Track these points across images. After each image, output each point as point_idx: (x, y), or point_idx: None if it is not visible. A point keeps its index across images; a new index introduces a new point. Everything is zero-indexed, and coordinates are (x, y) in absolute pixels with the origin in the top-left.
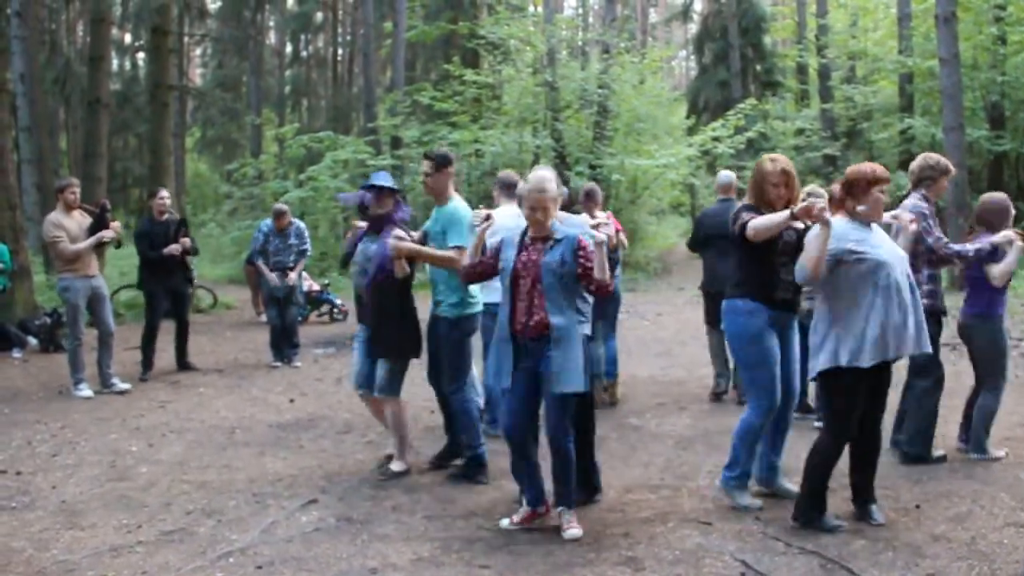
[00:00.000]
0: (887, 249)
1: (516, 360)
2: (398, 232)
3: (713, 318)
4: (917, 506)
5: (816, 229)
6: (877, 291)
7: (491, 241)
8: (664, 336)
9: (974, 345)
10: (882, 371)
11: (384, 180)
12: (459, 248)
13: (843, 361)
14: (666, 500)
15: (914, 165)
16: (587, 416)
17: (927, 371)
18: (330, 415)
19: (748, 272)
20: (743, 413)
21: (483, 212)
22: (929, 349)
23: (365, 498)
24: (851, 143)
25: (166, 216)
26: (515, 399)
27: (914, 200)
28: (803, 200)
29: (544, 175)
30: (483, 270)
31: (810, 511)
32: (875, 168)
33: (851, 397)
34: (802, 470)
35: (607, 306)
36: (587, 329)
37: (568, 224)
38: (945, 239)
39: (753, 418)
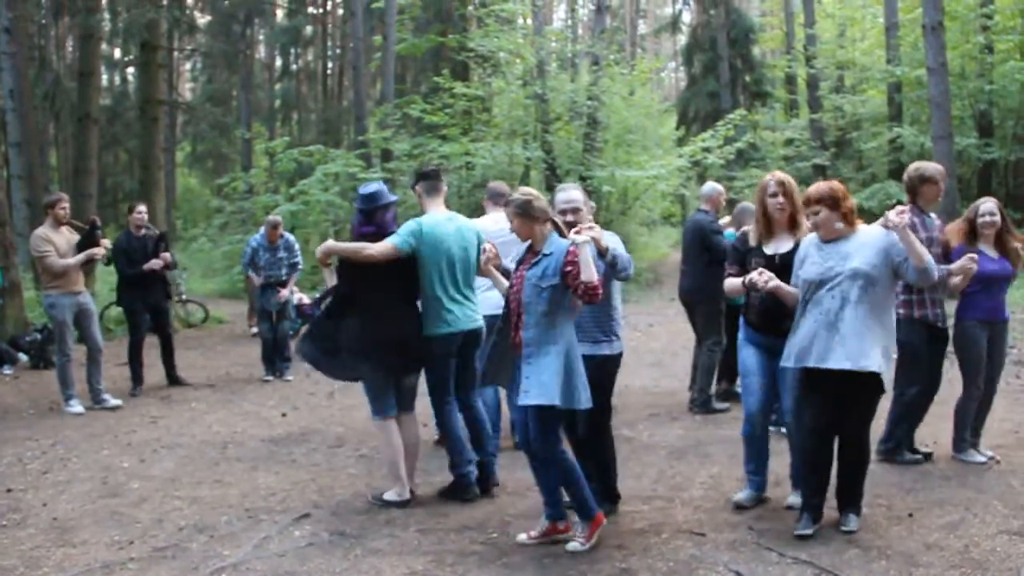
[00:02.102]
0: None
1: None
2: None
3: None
4: (910, 514)
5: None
6: (807, 304)
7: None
8: (656, 347)
9: (956, 349)
10: (848, 383)
11: (385, 196)
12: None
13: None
14: (659, 511)
15: (904, 176)
16: (599, 428)
17: (915, 379)
18: (323, 429)
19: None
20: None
21: (488, 246)
22: (869, 366)
23: (358, 512)
24: (840, 153)
25: (143, 231)
26: (520, 412)
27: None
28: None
29: (575, 195)
30: None
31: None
32: (812, 189)
33: (803, 397)
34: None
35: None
36: (564, 344)
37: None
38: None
39: (745, 425)
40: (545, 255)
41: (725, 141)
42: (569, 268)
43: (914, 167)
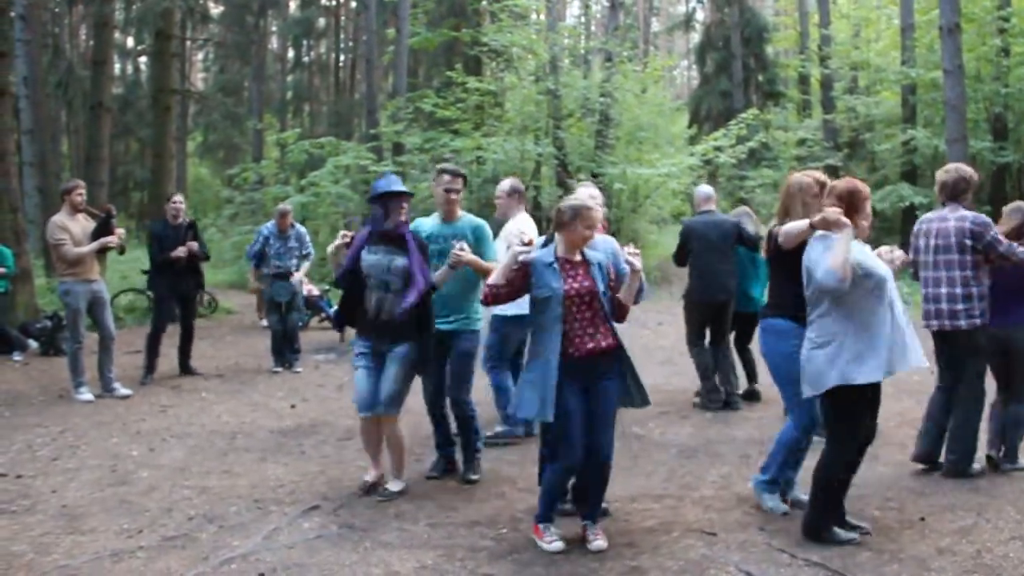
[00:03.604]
0: (883, 265)
1: (563, 387)
2: (460, 244)
3: (712, 331)
4: (922, 519)
5: (827, 236)
6: (883, 307)
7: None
8: (665, 344)
9: (1013, 354)
10: (876, 386)
11: (400, 184)
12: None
13: (858, 379)
14: (670, 510)
15: (947, 178)
16: None
17: (972, 387)
18: (331, 421)
19: (783, 290)
20: (786, 424)
21: (527, 237)
22: (925, 364)
23: (367, 505)
24: (853, 154)
25: (180, 220)
26: (577, 429)
27: (963, 212)
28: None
29: (596, 192)
30: (509, 293)
31: (816, 525)
32: (864, 184)
33: (859, 413)
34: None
35: None
36: None
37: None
38: (1016, 245)
39: (796, 432)
40: (592, 264)
41: (737, 140)
42: (613, 286)
43: (968, 171)
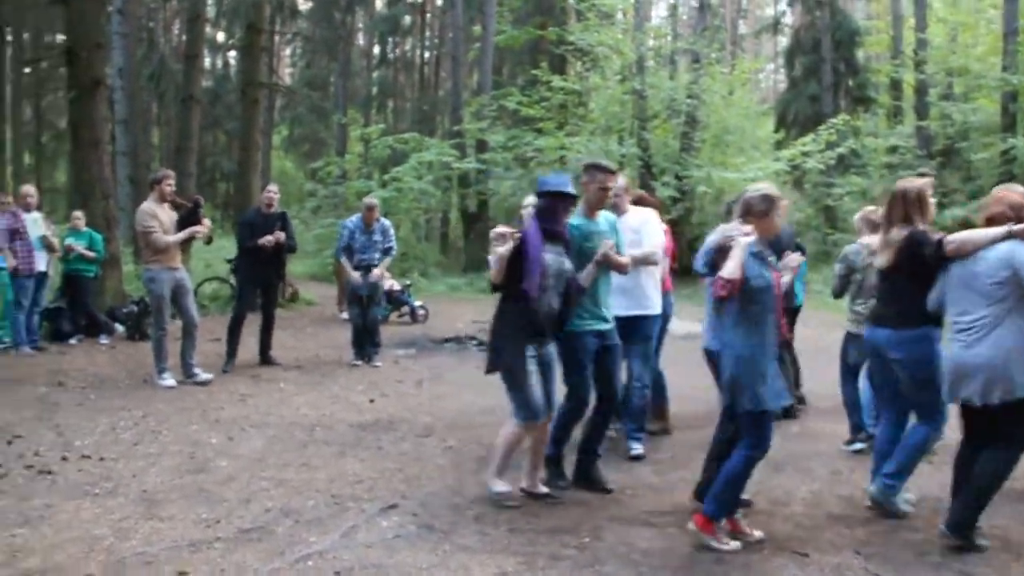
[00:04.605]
0: None
1: None
2: (609, 241)
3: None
4: None
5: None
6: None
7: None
8: None
9: None
10: None
11: (570, 187)
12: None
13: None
14: (760, 526)
15: None
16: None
17: None
18: (410, 418)
19: (918, 300)
20: (916, 428)
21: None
22: None
23: (447, 506)
24: (947, 162)
25: (273, 209)
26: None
27: None
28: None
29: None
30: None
31: (968, 523)
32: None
33: None
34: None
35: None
36: None
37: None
38: None
39: (931, 432)
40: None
41: (826, 146)
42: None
43: None
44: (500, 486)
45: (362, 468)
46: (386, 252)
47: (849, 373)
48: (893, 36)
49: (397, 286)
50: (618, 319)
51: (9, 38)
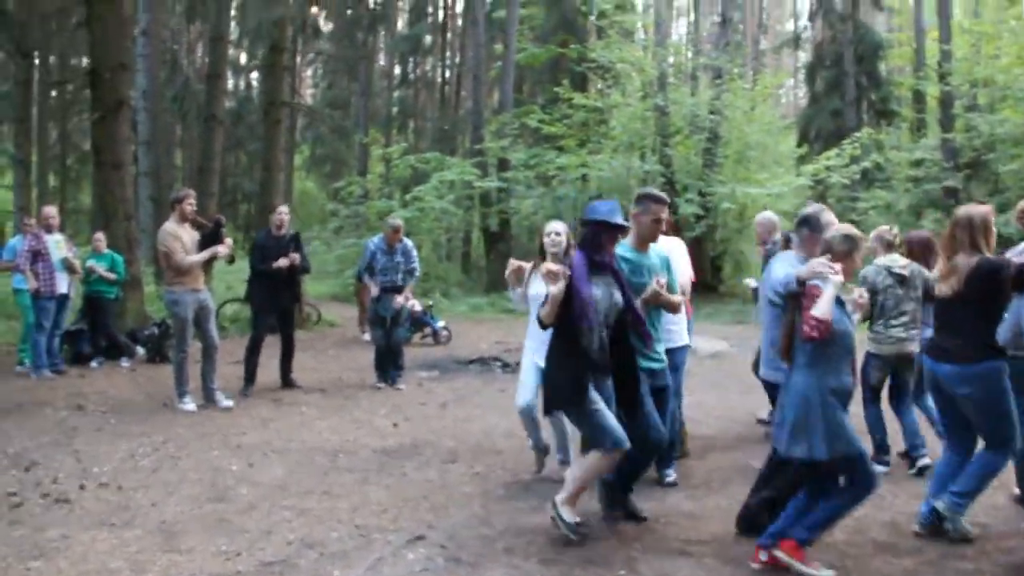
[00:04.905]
0: None
1: None
2: (661, 277)
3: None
4: None
5: None
6: None
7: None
8: None
9: None
10: None
11: (620, 216)
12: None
13: None
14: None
15: None
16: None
17: None
18: (434, 442)
19: (983, 330)
20: (985, 454)
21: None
22: None
23: (475, 536)
24: (974, 175)
25: (284, 230)
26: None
27: None
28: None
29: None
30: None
31: None
32: None
33: None
34: None
35: None
36: None
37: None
38: None
39: (1001, 460)
40: None
41: (851, 160)
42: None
43: None
44: (570, 515)
45: (386, 496)
46: (409, 273)
47: (871, 394)
48: (916, 48)
49: (419, 307)
50: None
51: (36, 62)
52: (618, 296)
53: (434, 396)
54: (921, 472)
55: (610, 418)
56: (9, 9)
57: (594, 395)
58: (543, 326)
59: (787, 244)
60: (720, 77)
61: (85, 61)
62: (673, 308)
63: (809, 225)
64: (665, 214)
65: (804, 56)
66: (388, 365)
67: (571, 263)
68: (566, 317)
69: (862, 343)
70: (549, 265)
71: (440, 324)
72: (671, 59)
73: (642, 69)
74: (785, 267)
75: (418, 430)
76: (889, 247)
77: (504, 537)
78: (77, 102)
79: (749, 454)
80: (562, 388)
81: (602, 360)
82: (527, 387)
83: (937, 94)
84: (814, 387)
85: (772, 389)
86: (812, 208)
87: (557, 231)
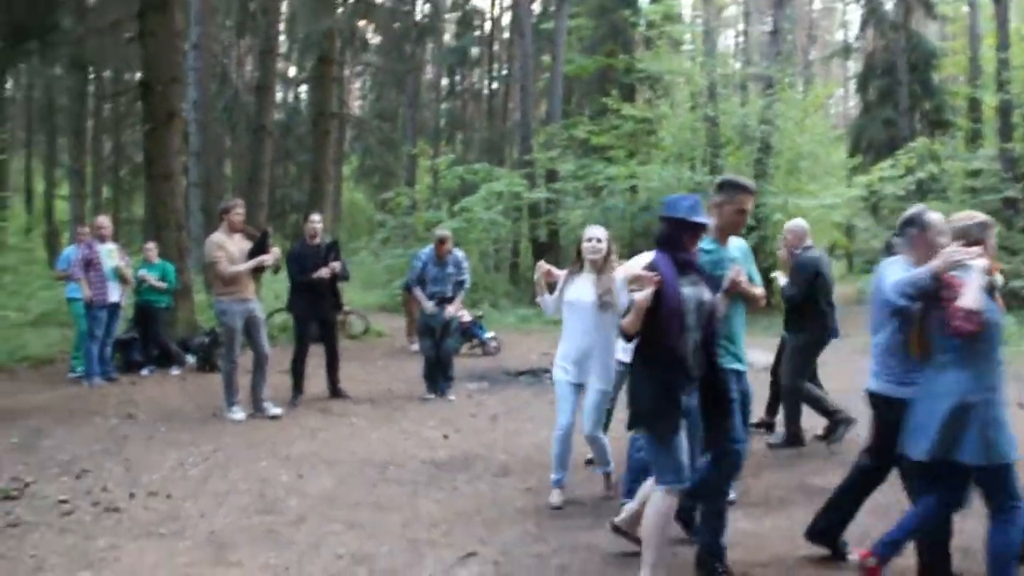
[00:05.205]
0: None
1: None
2: (739, 268)
3: None
4: None
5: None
6: None
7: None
8: (834, 386)
9: None
10: None
11: (702, 214)
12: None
13: None
14: None
15: None
16: None
17: None
18: (485, 455)
19: None
20: None
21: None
22: None
23: (529, 554)
24: None
25: (318, 240)
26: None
27: None
28: None
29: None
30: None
31: None
32: None
33: None
34: None
35: None
36: None
37: None
38: None
39: None
40: None
41: (906, 171)
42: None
43: None
44: None
45: (437, 510)
46: (459, 285)
47: None
48: (971, 57)
49: (468, 317)
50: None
51: (91, 76)
52: (707, 295)
53: (484, 408)
54: None
55: (683, 451)
56: (65, 25)
57: (681, 419)
58: (627, 338)
59: (889, 250)
60: (771, 87)
61: (138, 75)
62: (756, 301)
63: (917, 224)
64: (750, 205)
65: (854, 66)
66: (438, 376)
67: (659, 268)
68: (653, 324)
69: None
70: (636, 271)
71: (489, 335)
72: (720, 70)
73: (691, 79)
74: (900, 271)
75: (468, 443)
76: None
77: (558, 555)
78: (130, 115)
79: (806, 471)
80: (651, 403)
81: (694, 369)
82: (568, 405)
83: (995, 103)
84: (973, 387)
85: (889, 405)
86: (915, 208)
87: (598, 237)
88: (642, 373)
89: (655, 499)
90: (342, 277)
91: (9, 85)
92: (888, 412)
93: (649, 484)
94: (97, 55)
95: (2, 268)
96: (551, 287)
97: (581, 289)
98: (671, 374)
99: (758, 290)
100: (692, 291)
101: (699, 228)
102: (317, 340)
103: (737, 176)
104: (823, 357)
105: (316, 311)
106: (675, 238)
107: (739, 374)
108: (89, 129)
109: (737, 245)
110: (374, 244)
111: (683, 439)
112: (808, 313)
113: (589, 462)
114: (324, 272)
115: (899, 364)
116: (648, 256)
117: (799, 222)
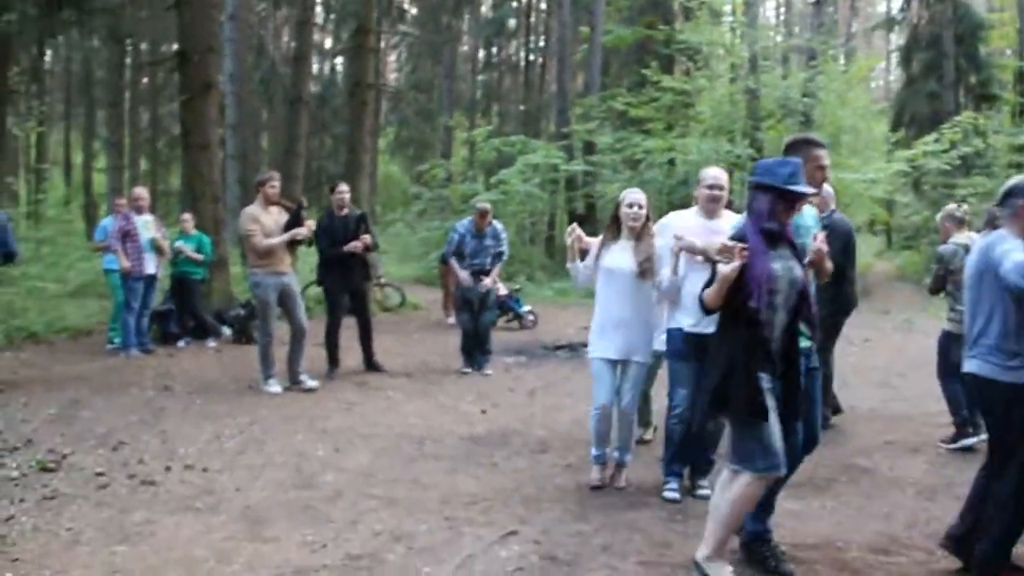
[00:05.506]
0: None
1: None
2: (821, 235)
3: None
4: None
5: None
6: None
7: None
8: (878, 364)
9: None
10: None
11: (803, 182)
12: None
13: None
14: (920, 566)
15: None
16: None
17: None
18: (523, 431)
19: None
20: None
21: None
22: None
23: (570, 533)
24: None
25: (346, 211)
26: None
27: None
28: None
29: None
30: None
31: None
32: None
33: None
34: None
35: None
36: None
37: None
38: None
39: None
40: None
41: (951, 145)
42: None
43: None
44: (719, 570)
45: (476, 487)
46: (498, 256)
47: (951, 370)
48: (1020, 29)
49: (505, 291)
50: (693, 336)
51: (128, 47)
52: (798, 272)
53: (522, 383)
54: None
55: (778, 435)
56: None
57: (771, 400)
58: (707, 311)
59: (992, 224)
60: (814, 59)
61: (175, 46)
62: (824, 274)
63: (1022, 195)
64: (827, 160)
65: (896, 39)
66: (475, 350)
67: (748, 240)
68: (736, 300)
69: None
70: (724, 241)
71: (526, 308)
72: (761, 41)
73: (731, 51)
74: (1018, 248)
75: (506, 418)
76: (960, 224)
77: (600, 534)
78: (167, 86)
79: (848, 451)
80: (730, 385)
81: (780, 351)
82: (605, 385)
83: None
84: None
85: (995, 389)
86: (1018, 178)
87: (640, 203)
88: (724, 352)
89: (743, 480)
90: (373, 248)
91: (48, 58)
92: (995, 398)
93: (725, 476)
94: (134, 26)
95: (41, 240)
96: (583, 255)
97: (619, 257)
98: (752, 356)
99: (828, 265)
100: (783, 266)
101: (799, 198)
102: (350, 312)
103: (805, 133)
104: (866, 333)
105: (346, 283)
106: (769, 208)
107: (807, 354)
108: (126, 101)
109: (810, 212)
110: (410, 216)
111: (775, 422)
112: (836, 281)
113: (639, 442)
114: (356, 245)
115: (1015, 346)
116: (681, 215)
117: (825, 187)
